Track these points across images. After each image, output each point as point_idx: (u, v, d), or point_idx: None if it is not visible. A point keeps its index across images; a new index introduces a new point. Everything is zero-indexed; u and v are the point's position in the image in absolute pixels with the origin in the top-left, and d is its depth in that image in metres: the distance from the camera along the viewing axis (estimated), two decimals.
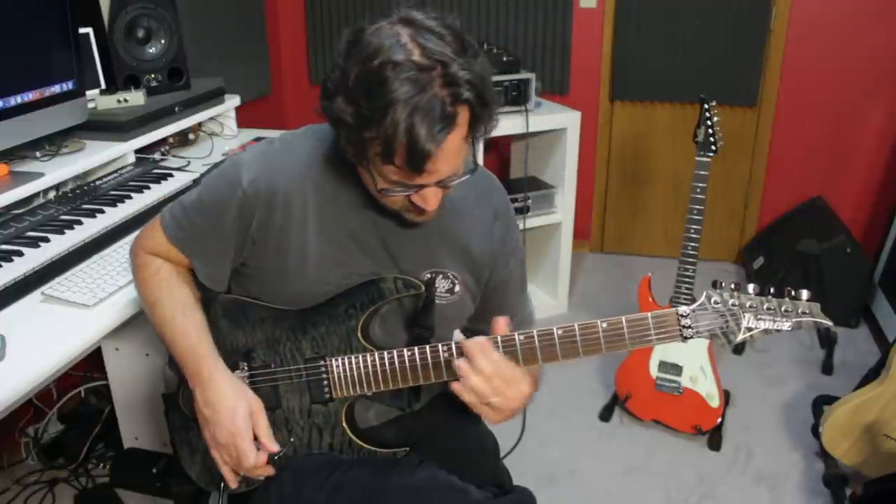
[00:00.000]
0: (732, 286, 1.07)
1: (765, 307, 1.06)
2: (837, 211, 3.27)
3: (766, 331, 1.06)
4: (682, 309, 1.07)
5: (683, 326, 1.07)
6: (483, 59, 1.01)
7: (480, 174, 1.23)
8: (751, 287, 1.07)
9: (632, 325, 1.07)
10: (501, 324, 1.11)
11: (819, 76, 3.27)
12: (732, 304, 1.06)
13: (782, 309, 1.06)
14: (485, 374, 1.05)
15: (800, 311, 1.05)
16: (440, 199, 1.07)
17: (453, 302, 1.24)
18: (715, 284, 1.07)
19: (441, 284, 1.22)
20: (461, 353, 1.09)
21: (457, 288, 1.23)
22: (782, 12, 3.21)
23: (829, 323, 1.07)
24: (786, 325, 1.06)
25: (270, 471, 1.18)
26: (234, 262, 1.21)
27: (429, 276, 1.20)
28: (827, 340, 2.90)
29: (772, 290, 1.07)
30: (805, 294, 1.06)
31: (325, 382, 1.18)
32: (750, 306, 1.06)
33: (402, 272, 1.19)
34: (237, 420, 1.13)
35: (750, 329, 1.06)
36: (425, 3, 3.40)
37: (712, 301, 1.07)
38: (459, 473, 1.21)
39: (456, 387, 1.07)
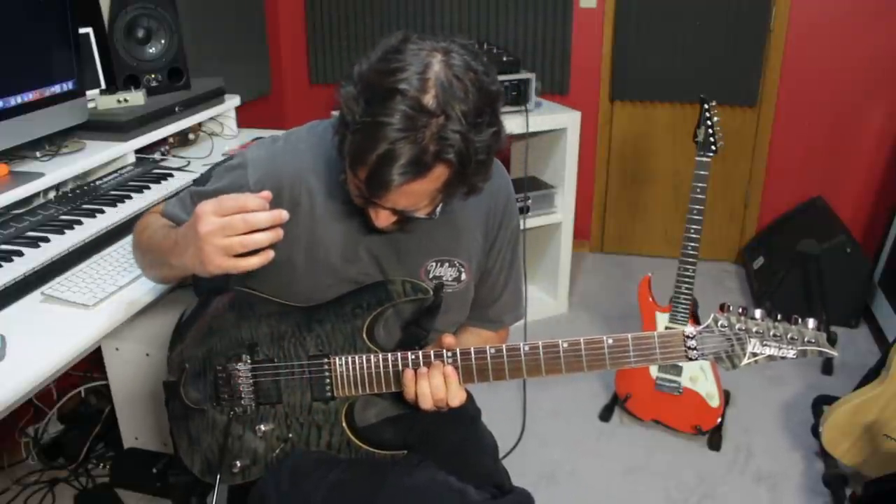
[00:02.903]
0: (740, 310, 1.08)
1: (771, 333, 1.07)
2: (837, 211, 3.27)
3: (770, 357, 1.08)
4: (689, 330, 1.08)
5: (689, 347, 1.08)
6: (493, 135, 0.98)
7: None
8: (758, 312, 1.08)
9: (637, 344, 1.09)
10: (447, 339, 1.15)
11: (819, 76, 3.27)
12: (739, 329, 1.07)
13: (788, 336, 1.07)
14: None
15: (805, 339, 1.07)
16: (392, 224, 1.08)
17: (459, 290, 1.25)
18: (723, 307, 1.08)
19: (447, 273, 1.23)
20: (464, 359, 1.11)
21: (463, 276, 1.24)
22: (782, 12, 3.21)
23: (833, 353, 1.09)
24: (790, 353, 1.08)
25: (267, 253, 1.05)
26: None
27: (434, 264, 1.21)
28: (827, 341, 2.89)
29: (778, 315, 1.08)
30: (811, 322, 1.08)
31: (328, 380, 1.18)
32: (756, 332, 1.07)
33: (405, 265, 1.20)
34: (201, 210, 1.02)
35: (755, 354, 1.08)
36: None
37: (719, 324, 1.08)
38: (458, 474, 1.21)
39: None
